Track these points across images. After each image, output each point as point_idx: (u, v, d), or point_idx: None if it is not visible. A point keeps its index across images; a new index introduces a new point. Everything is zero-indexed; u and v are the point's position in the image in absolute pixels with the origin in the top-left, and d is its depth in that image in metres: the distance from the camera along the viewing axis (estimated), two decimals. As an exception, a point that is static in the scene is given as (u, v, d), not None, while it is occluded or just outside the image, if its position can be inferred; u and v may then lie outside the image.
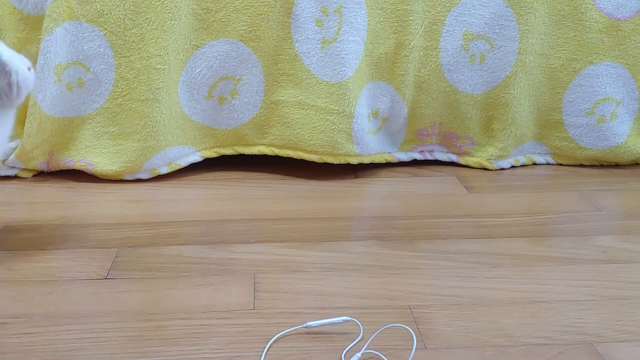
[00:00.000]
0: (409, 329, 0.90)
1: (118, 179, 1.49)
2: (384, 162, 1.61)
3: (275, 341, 0.89)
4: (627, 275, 1.11)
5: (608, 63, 1.57)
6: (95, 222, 1.28)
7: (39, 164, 1.48)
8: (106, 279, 1.06)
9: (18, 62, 0.99)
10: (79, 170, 1.48)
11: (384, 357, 0.86)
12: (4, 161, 1.47)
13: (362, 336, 0.90)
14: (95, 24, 1.39)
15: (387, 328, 0.91)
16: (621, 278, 1.10)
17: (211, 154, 1.57)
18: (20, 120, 1.46)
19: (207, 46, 1.46)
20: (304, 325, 0.91)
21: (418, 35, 1.51)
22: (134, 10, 1.39)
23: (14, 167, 1.50)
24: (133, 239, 1.20)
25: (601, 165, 1.67)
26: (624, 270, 1.13)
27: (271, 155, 1.56)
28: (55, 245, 1.18)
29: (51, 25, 1.37)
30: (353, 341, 0.89)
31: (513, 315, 0.97)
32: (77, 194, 1.43)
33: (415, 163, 1.65)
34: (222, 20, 1.44)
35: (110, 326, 0.92)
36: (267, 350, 0.87)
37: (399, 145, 1.64)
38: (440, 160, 1.65)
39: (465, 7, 1.52)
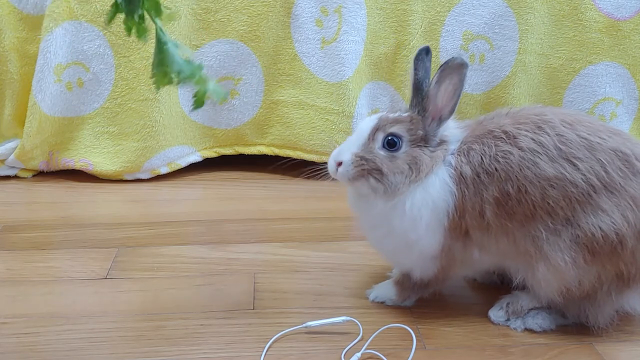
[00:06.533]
0: (409, 329, 0.90)
1: (118, 179, 1.49)
2: (384, 162, 1.60)
3: (275, 341, 0.89)
4: (626, 275, 1.11)
5: (608, 63, 1.57)
6: (95, 222, 1.28)
7: (38, 164, 1.48)
8: (106, 279, 1.06)
9: None
10: (79, 170, 1.48)
11: (384, 357, 0.86)
12: (3, 161, 1.47)
13: (362, 336, 0.90)
14: (95, 24, 1.39)
15: (387, 328, 0.91)
16: (621, 278, 1.10)
17: (211, 154, 1.57)
18: (20, 120, 1.46)
19: (207, 46, 1.46)
20: (304, 325, 0.91)
21: (418, 35, 1.51)
22: (134, 10, 1.39)
23: (14, 167, 1.49)
24: (133, 239, 1.20)
25: (601, 165, 1.66)
26: (623, 270, 1.13)
27: (271, 155, 1.56)
28: (55, 245, 1.18)
29: (51, 25, 1.37)
30: (353, 341, 0.89)
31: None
32: (77, 194, 1.43)
33: (415, 163, 1.64)
34: (222, 20, 1.44)
35: (110, 326, 0.92)
36: (266, 350, 0.87)
37: (398, 145, 1.64)
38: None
39: (465, 7, 1.52)
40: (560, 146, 0.85)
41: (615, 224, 0.83)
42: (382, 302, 1.00)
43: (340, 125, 1.48)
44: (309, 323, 0.91)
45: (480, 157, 0.87)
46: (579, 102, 1.58)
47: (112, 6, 0.71)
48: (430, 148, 0.89)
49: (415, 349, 0.87)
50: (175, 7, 1.39)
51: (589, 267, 0.85)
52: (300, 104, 1.50)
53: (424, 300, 0.99)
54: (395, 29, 1.51)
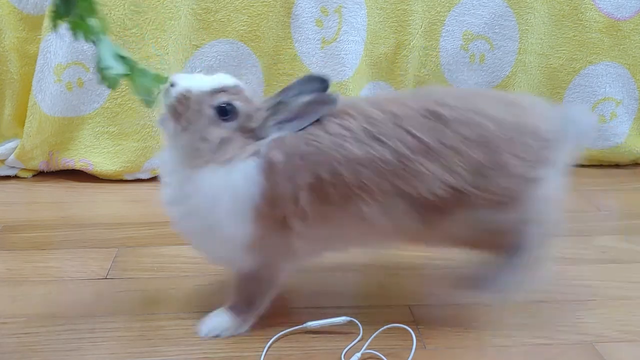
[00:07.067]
0: (409, 329, 0.90)
1: (118, 179, 1.49)
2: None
3: (275, 341, 0.89)
4: (627, 275, 1.11)
5: (608, 63, 1.57)
6: (95, 222, 1.28)
7: (39, 163, 1.48)
8: (106, 279, 1.06)
9: None
10: (79, 170, 1.48)
11: (384, 357, 0.86)
12: (3, 161, 1.47)
13: (362, 336, 0.90)
14: (95, 24, 1.39)
15: (387, 328, 0.91)
16: (621, 278, 1.10)
17: (211, 154, 1.57)
18: (20, 120, 1.47)
19: (207, 46, 1.46)
20: (304, 325, 0.91)
21: (418, 35, 1.51)
22: (134, 10, 1.39)
23: (14, 167, 1.49)
24: (133, 239, 1.20)
25: (601, 165, 1.66)
26: (624, 270, 1.13)
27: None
28: (55, 245, 1.18)
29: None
30: (353, 341, 0.89)
31: (513, 315, 0.97)
32: (77, 194, 1.43)
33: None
34: (222, 20, 1.44)
35: (110, 326, 0.92)
36: (266, 350, 0.87)
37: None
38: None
39: (465, 7, 1.52)
40: (367, 127, 0.83)
41: (447, 181, 0.82)
42: (217, 336, 0.92)
43: (340, 125, 1.48)
44: (309, 323, 0.91)
45: (292, 142, 0.84)
46: (579, 102, 1.58)
47: (51, 10, 0.71)
48: (251, 140, 0.84)
49: (415, 349, 0.87)
50: (176, 7, 1.39)
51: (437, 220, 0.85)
52: (300, 104, 1.50)
53: (424, 300, 0.99)
54: (395, 29, 1.51)
